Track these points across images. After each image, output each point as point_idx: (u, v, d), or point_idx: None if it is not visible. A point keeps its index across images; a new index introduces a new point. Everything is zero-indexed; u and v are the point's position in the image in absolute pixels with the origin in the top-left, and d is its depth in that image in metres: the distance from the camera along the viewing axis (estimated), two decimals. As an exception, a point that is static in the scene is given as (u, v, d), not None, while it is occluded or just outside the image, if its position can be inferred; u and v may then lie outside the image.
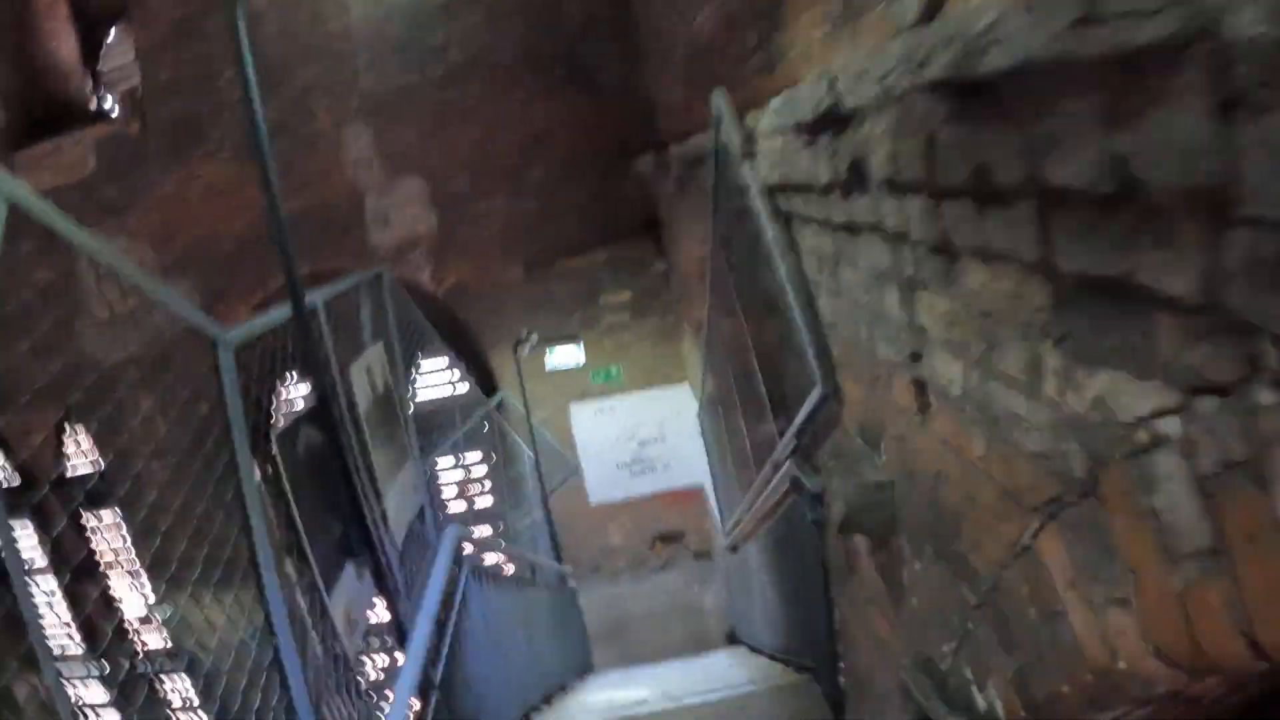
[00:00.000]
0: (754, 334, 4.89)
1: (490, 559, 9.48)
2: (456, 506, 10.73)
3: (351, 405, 3.53)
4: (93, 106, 12.01)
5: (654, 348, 10.24)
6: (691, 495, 10.77)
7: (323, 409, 3.43)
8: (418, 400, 11.49)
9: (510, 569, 9.43)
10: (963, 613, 2.14)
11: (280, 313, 3.51)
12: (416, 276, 10.27)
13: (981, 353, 1.72)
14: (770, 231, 3.32)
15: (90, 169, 10.64)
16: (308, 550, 3.02)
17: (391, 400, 4.22)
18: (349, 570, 3.22)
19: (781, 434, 4.04)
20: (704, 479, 10.31)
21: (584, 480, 10.65)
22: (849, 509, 2.74)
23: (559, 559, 9.52)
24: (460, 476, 11.01)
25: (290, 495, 3.01)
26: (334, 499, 3.34)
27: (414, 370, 6.99)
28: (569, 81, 9.81)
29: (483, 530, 10.20)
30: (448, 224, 10.14)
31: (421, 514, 4.34)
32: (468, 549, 4.25)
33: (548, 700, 6.38)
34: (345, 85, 10.18)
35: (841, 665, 4.04)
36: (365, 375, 3.73)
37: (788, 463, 3.96)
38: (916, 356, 2.16)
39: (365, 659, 3.73)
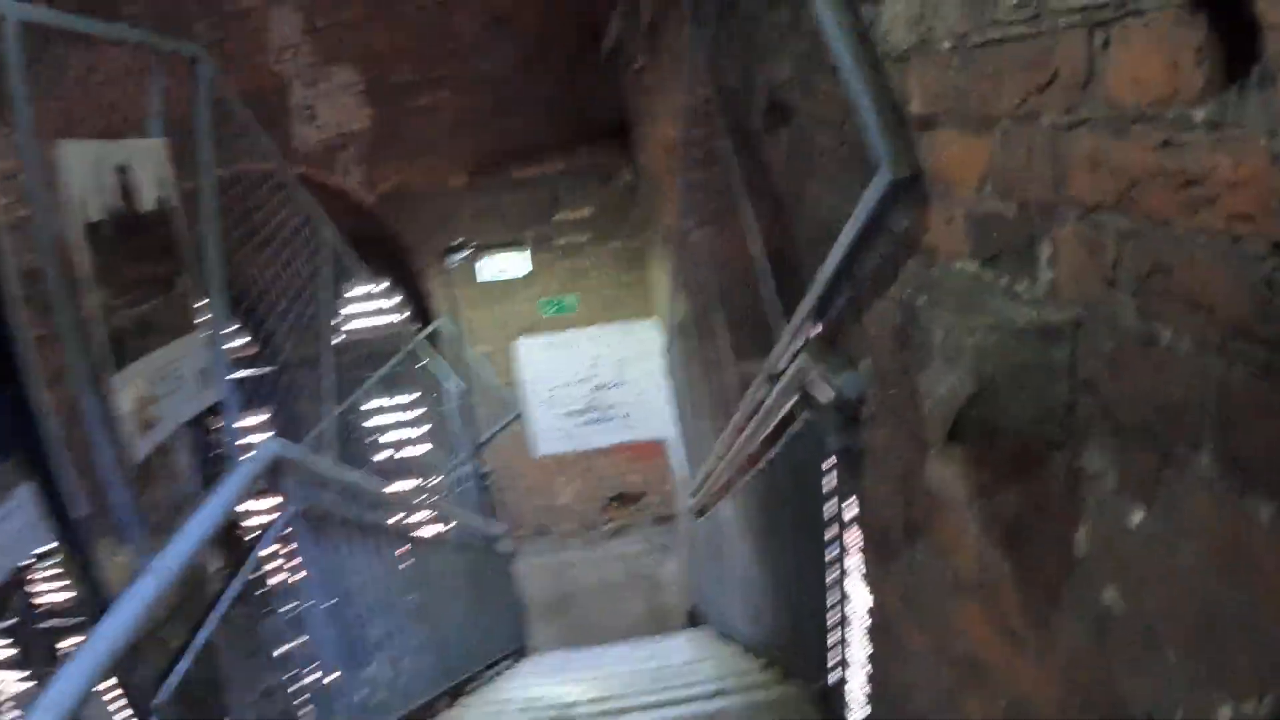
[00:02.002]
0: (757, 197, 3.44)
1: (410, 516, 8.00)
2: (383, 456, 9.25)
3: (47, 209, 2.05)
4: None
5: (617, 275, 8.75)
6: (654, 450, 9.33)
7: None
8: (339, 331, 9.98)
9: (434, 528, 7.96)
10: None
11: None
12: (344, 182, 8.71)
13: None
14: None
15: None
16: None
17: (165, 225, 2.73)
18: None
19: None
20: (669, 432, 8.87)
21: (529, 427, 9.17)
22: (976, 383, 1.29)
23: (491, 517, 8.04)
24: (389, 421, 9.52)
25: None
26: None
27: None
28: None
29: (408, 484, 8.73)
30: (385, 121, 8.57)
31: (210, 419, 2.89)
32: (306, 487, 2.78)
33: (455, 694, 4.94)
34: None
35: (862, 681, 2.59)
36: (93, 170, 2.23)
37: (795, 363, 2.51)
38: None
39: None
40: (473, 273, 8.53)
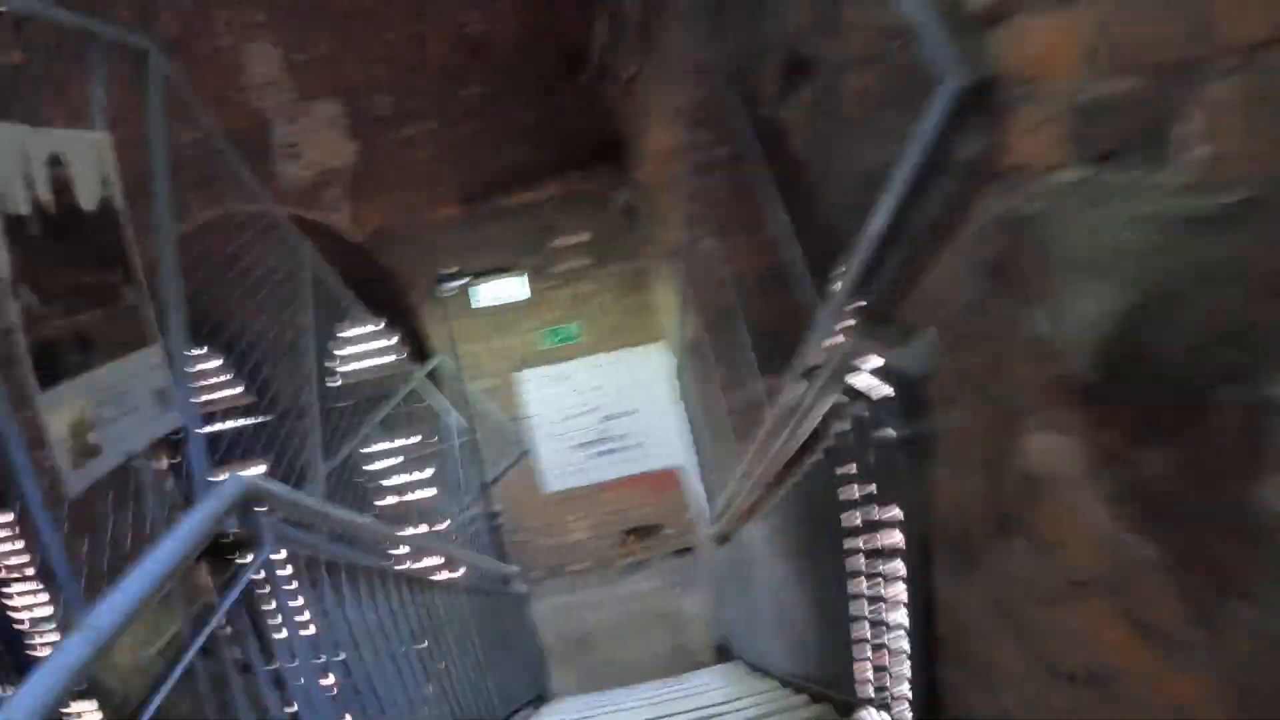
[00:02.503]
0: (778, 174, 3.14)
1: (417, 559, 7.66)
2: (388, 501, 8.89)
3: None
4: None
5: (620, 299, 8.45)
6: (668, 480, 8.98)
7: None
8: (336, 374, 9.66)
9: (444, 572, 7.59)
10: None
11: None
12: (332, 219, 8.44)
13: None
14: None
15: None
16: None
17: (111, 229, 2.41)
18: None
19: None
20: (684, 459, 8.52)
21: (537, 463, 8.82)
22: (1133, 296, 0.96)
23: (503, 558, 7.66)
24: (392, 465, 9.18)
25: None
26: None
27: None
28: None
29: (415, 529, 8.37)
30: (370, 155, 8.31)
31: (173, 444, 2.56)
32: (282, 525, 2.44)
33: (472, 748, 4.56)
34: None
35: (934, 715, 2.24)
36: (17, 158, 1.90)
37: (837, 349, 2.19)
38: None
39: None
40: (468, 301, 8.23)
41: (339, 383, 9.60)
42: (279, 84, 8.43)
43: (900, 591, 2.21)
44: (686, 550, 9.28)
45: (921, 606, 2.16)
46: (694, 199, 5.32)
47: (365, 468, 8.92)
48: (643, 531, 9.23)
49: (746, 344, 5.00)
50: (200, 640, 1.93)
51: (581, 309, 8.43)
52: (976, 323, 1.62)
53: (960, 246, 1.57)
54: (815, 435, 2.62)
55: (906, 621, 2.23)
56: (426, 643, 4.04)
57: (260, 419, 9.44)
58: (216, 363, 9.69)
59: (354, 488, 7.61)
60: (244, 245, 7.06)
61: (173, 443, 2.75)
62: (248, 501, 2.28)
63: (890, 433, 1.96)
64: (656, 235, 6.87)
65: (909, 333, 1.89)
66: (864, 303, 2.04)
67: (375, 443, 8.55)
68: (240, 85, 8.42)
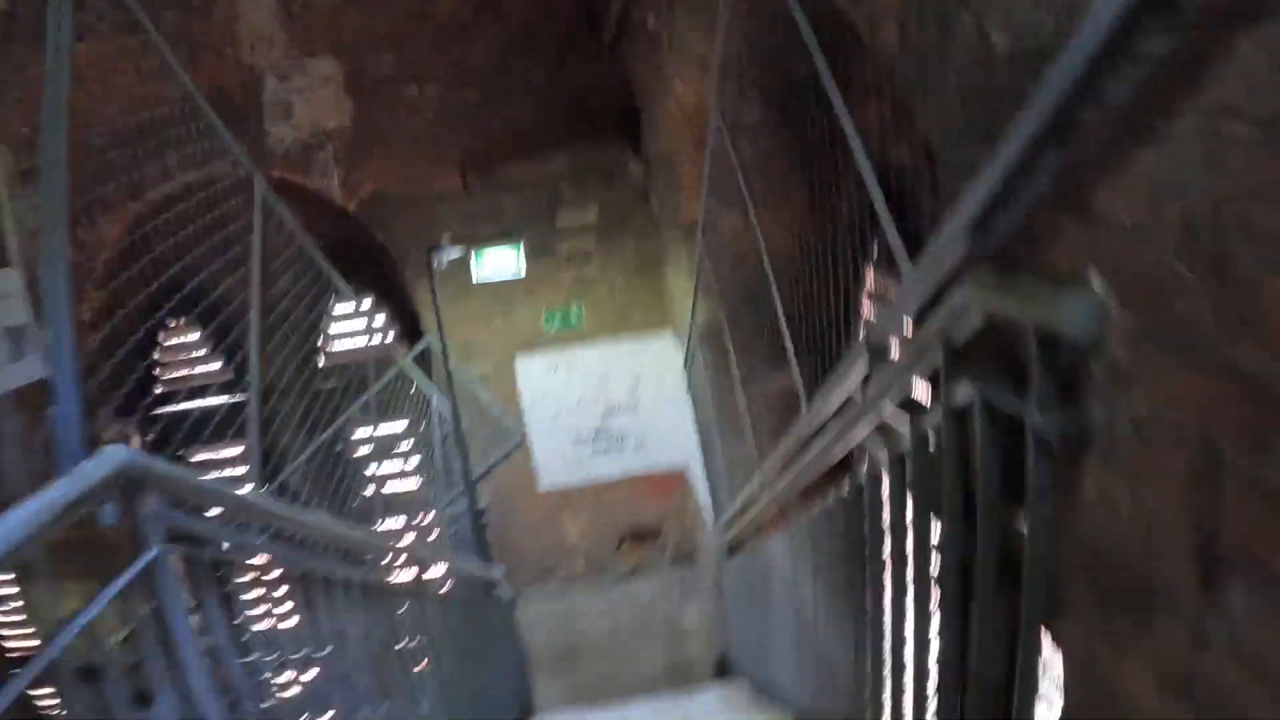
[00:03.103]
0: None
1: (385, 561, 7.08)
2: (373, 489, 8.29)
3: None
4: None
5: (628, 284, 7.85)
6: (672, 481, 8.37)
7: None
8: (326, 354, 9.07)
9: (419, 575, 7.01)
10: None
11: None
12: (323, 185, 7.84)
13: None
14: None
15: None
16: None
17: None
18: None
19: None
20: (690, 460, 7.92)
21: (531, 458, 8.21)
22: None
23: (483, 543, 7.05)
24: (374, 453, 8.57)
25: None
26: None
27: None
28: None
29: (397, 521, 7.78)
30: (367, 117, 7.73)
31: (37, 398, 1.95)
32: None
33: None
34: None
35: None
36: None
37: (941, 310, 1.59)
38: None
39: None
40: (467, 277, 7.63)
41: (324, 362, 9.03)
42: (274, 38, 7.85)
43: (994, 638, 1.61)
44: (688, 557, 8.68)
45: (1026, 665, 1.56)
46: (720, 166, 4.74)
47: (347, 455, 8.34)
48: (642, 536, 8.62)
49: (773, 331, 4.42)
50: (43, 662, 1.34)
51: (586, 292, 7.83)
52: (1195, 260, 1.03)
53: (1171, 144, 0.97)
54: (883, 430, 2.01)
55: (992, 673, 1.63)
56: (389, 658, 3.45)
57: (239, 397, 8.88)
58: (193, 336, 9.13)
59: (336, 475, 7.03)
60: (229, 211, 6.55)
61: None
62: (128, 485, 1.69)
63: (1032, 424, 1.36)
64: (671, 212, 6.28)
65: (1063, 283, 1.30)
66: (990, 244, 1.45)
67: (359, 428, 7.97)
68: (234, 37, 7.85)
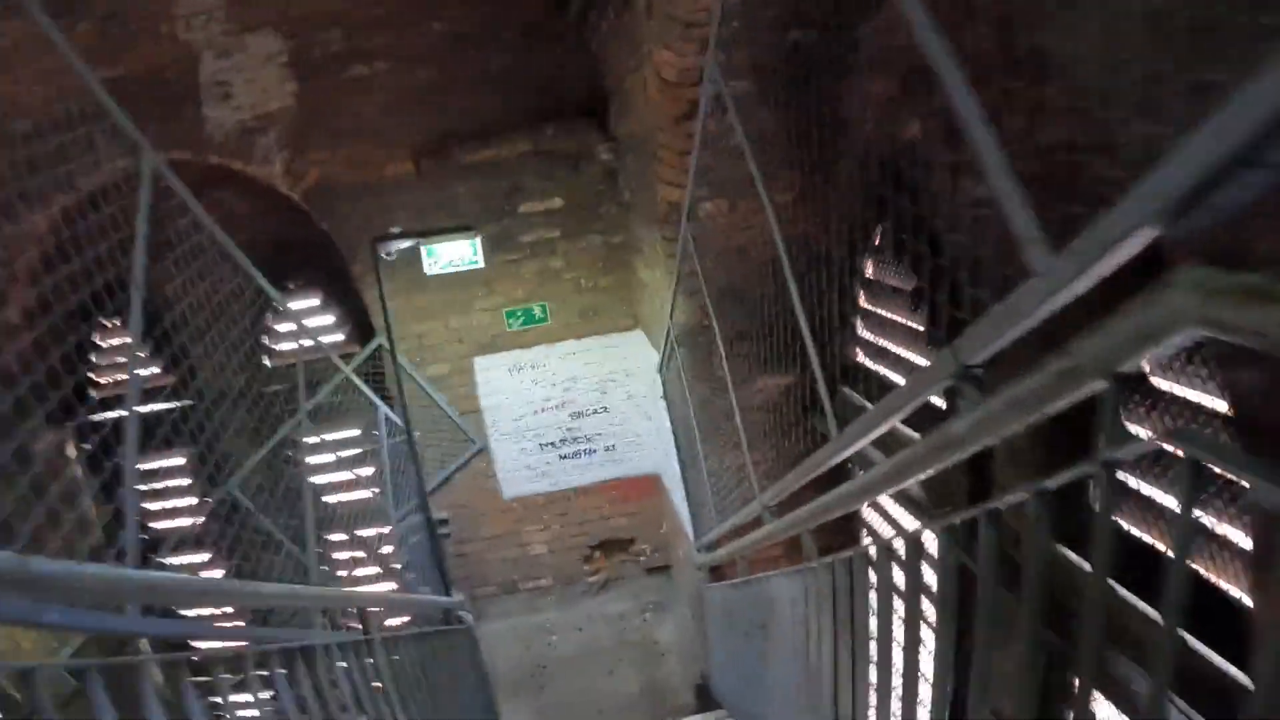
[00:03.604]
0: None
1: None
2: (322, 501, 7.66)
3: None
4: None
5: (595, 278, 7.29)
6: (644, 487, 7.85)
7: None
8: (272, 355, 8.43)
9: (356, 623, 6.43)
10: None
11: None
12: (265, 172, 7.21)
13: None
14: None
15: None
16: None
17: None
18: None
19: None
20: (663, 465, 7.40)
21: (493, 465, 7.65)
22: None
23: (445, 582, 6.46)
24: (326, 460, 7.95)
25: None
26: None
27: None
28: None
29: (348, 540, 7.18)
30: (312, 98, 7.09)
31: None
32: None
33: None
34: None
35: None
36: None
37: (1105, 326, 1.03)
38: None
39: None
40: (420, 271, 7.02)
41: (271, 365, 8.40)
42: (212, 12, 7.20)
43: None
44: (662, 569, 8.17)
45: None
46: (707, 145, 4.21)
47: (295, 464, 7.72)
48: (612, 546, 8.09)
49: (774, 329, 3.91)
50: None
51: (550, 287, 7.25)
52: None
53: None
54: (977, 471, 1.49)
55: None
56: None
57: (182, 403, 8.22)
58: (128, 338, 8.43)
59: (282, 486, 6.44)
60: (167, 205, 5.94)
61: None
62: None
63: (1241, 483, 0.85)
64: (645, 200, 5.73)
65: None
66: (1196, 231, 0.93)
67: (306, 435, 7.35)
68: (170, 12, 7.18)
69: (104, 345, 8.51)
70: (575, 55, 6.82)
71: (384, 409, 6.40)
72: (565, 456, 7.59)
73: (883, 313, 4.26)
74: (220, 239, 4.07)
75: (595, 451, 7.61)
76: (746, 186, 3.89)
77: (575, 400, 7.47)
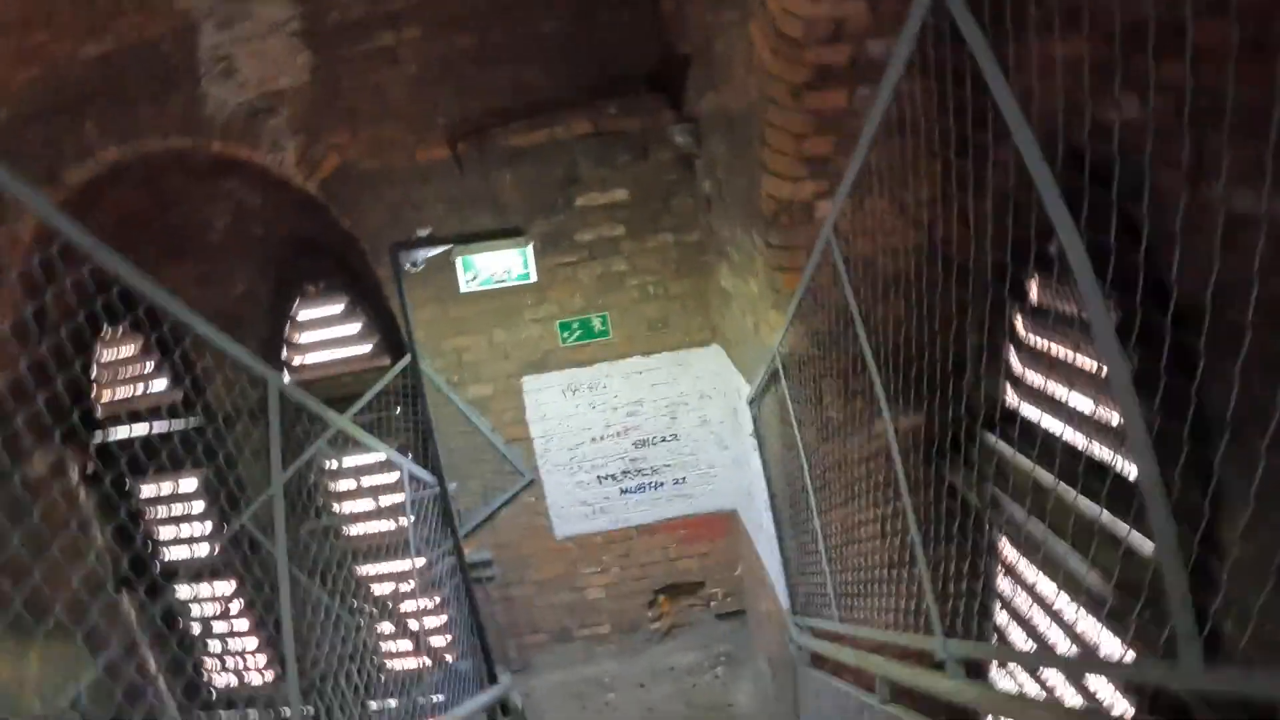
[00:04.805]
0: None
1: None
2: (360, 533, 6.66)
3: None
4: None
5: (666, 284, 6.16)
6: (715, 523, 6.75)
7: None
8: (295, 369, 7.43)
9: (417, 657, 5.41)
10: None
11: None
12: (275, 160, 6.16)
13: None
14: None
15: None
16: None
17: None
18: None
19: None
20: (742, 499, 6.31)
21: (544, 500, 6.58)
22: None
23: (484, 644, 5.39)
24: (358, 486, 6.94)
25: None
26: None
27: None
28: None
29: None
30: (329, 73, 6.02)
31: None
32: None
33: None
34: None
35: None
36: None
37: None
38: None
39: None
40: (453, 280, 5.94)
41: (295, 379, 7.40)
42: (212, -27, 6.15)
43: None
44: (733, 614, 7.07)
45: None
46: (844, 122, 3.09)
47: (319, 491, 6.72)
48: (679, 590, 7.00)
49: (889, 361, 2.82)
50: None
51: (612, 295, 6.14)
52: None
53: None
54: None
55: None
56: None
57: (190, 422, 7.27)
58: (133, 348, 7.49)
59: (305, 515, 5.46)
60: (172, 194, 5.20)
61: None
62: None
63: None
64: (738, 193, 4.60)
65: None
66: None
67: (328, 460, 6.35)
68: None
69: (107, 359, 7.59)
70: (643, 15, 5.71)
71: (409, 466, 5.31)
72: (627, 491, 6.50)
73: (1052, 347, 3.19)
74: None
75: (663, 485, 6.50)
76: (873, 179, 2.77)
77: (640, 426, 6.37)
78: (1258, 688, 1.15)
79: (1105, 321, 1.43)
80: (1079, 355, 2.98)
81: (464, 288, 5.84)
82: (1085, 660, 2.09)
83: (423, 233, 5.50)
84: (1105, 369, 1.89)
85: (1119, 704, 2.69)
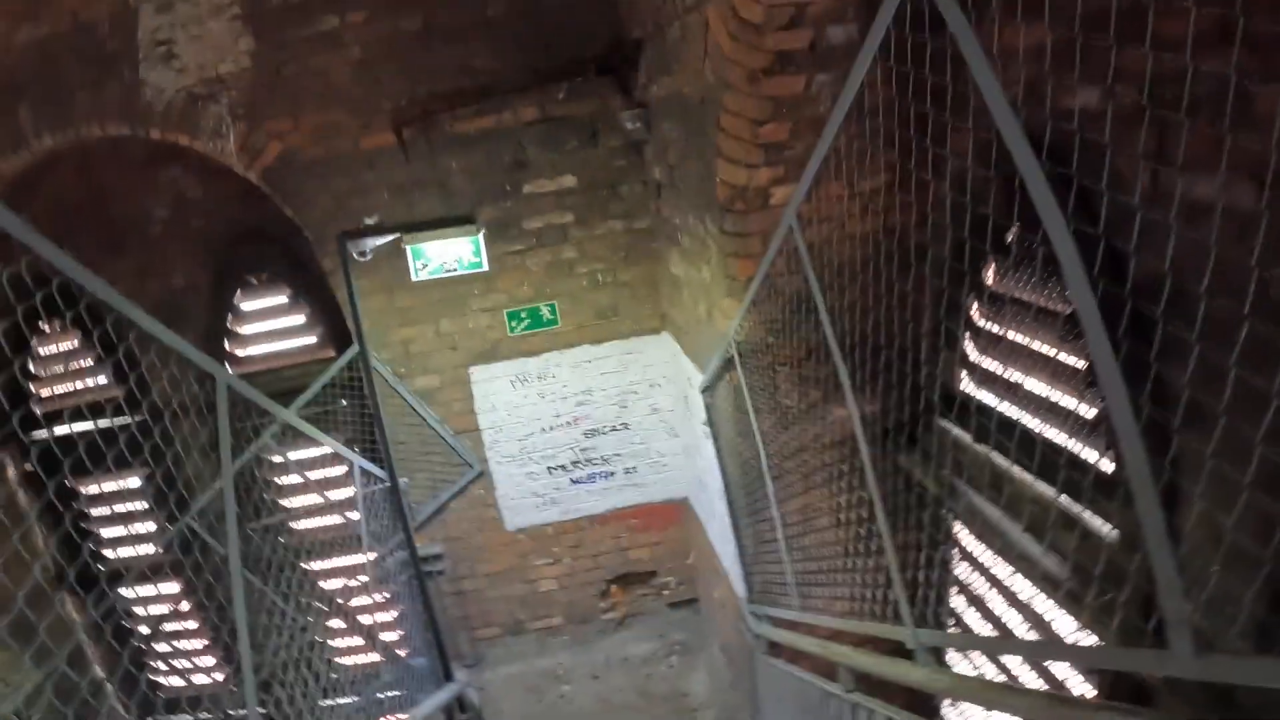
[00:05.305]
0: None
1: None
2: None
3: None
4: None
5: (616, 271, 6.12)
6: (666, 511, 6.73)
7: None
8: (238, 360, 7.25)
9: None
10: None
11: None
12: (216, 147, 5.99)
13: None
14: None
15: None
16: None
17: None
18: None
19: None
20: (693, 488, 6.29)
21: (494, 491, 6.50)
22: None
23: (441, 646, 5.31)
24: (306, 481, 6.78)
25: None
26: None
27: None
28: None
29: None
30: (272, 57, 5.87)
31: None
32: None
33: None
34: None
35: None
36: None
37: None
38: None
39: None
40: (403, 263, 5.83)
41: (238, 371, 7.21)
42: (149, -44, 5.96)
43: None
44: (686, 603, 7.06)
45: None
46: (802, 107, 3.05)
47: (266, 487, 6.56)
48: (631, 580, 6.97)
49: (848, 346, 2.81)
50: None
51: (561, 283, 6.08)
52: None
53: None
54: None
55: None
56: None
57: (132, 418, 7.03)
58: (73, 343, 7.25)
59: (253, 512, 5.32)
60: (110, 183, 4.98)
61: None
62: None
63: None
64: (692, 180, 4.55)
65: None
66: None
67: (275, 455, 6.20)
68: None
69: (46, 353, 7.35)
70: None
71: (360, 462, 5.21)
72: (578, 481, 6.45)
73: (1009, 334, 3.20)
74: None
75: (613, 474, 6.46)
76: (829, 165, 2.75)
77: (590, 416, 6.32)
78: (1251, 676, 1.14)
79: (1093, 312, 1.40)
80: (1036, 341, 2.98)
81: (415, 276, 5.74)
82: (1080, 650, 2.08)
83: (369, 220, 5.40)
84: (1091, 359, 1.88)
85: (1080, 687, 2.70)
